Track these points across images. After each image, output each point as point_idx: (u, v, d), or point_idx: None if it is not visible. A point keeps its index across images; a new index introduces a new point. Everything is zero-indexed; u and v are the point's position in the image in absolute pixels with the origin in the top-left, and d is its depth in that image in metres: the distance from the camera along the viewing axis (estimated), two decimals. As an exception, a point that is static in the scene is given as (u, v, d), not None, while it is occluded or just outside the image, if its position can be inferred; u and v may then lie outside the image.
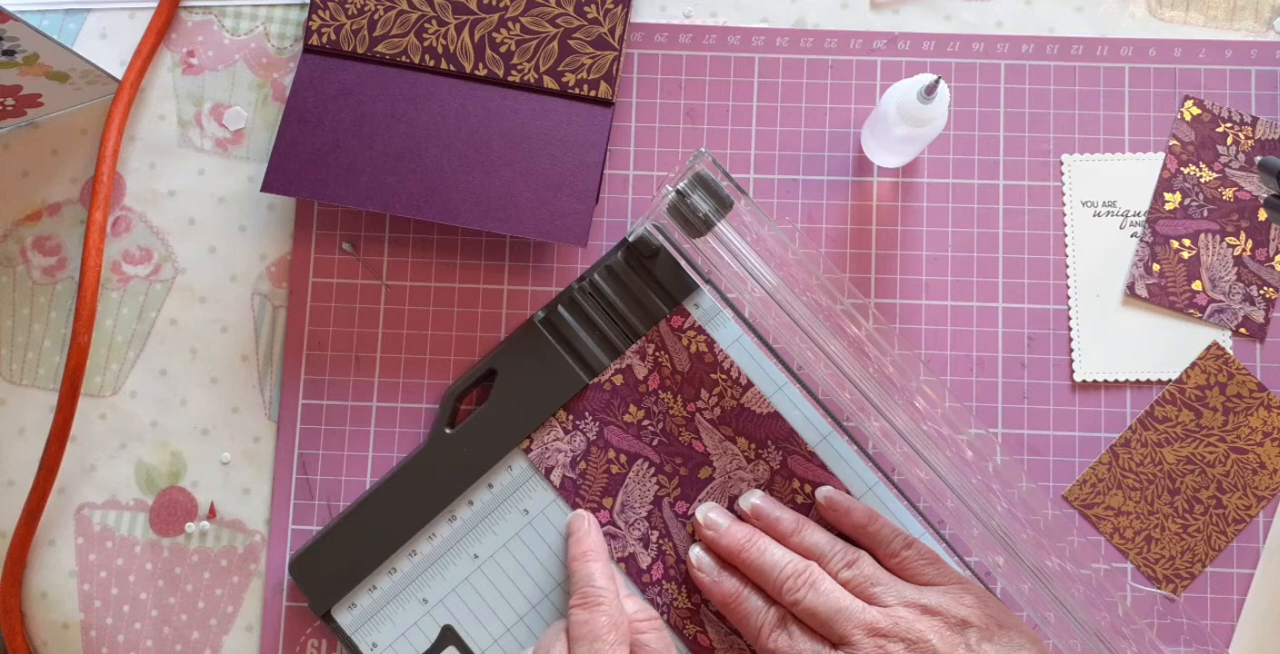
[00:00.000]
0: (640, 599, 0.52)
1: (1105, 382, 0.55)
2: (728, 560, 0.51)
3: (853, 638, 0.47)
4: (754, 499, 0.52)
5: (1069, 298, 0.55)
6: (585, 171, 0.54)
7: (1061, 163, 0.56)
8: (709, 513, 0.52)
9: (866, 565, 0.49)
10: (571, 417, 0.54)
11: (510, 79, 0.54)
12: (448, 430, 0.54)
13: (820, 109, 0.57)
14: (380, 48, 0.54)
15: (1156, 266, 0.55)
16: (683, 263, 0.53)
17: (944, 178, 0.56)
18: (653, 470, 0.53)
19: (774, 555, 0.49)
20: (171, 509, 0.55)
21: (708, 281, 0.54)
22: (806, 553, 0.50)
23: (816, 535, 0.50)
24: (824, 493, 0.52)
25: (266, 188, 0.53)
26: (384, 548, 0.53)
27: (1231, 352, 0.55)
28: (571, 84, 0.54)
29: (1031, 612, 0.50)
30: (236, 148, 0.57)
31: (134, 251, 0.57)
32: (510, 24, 0.54)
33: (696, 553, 0.51)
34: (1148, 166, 0.56)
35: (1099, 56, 0.56)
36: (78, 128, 0.57)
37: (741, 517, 0.52)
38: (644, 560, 0.53)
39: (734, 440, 0.53)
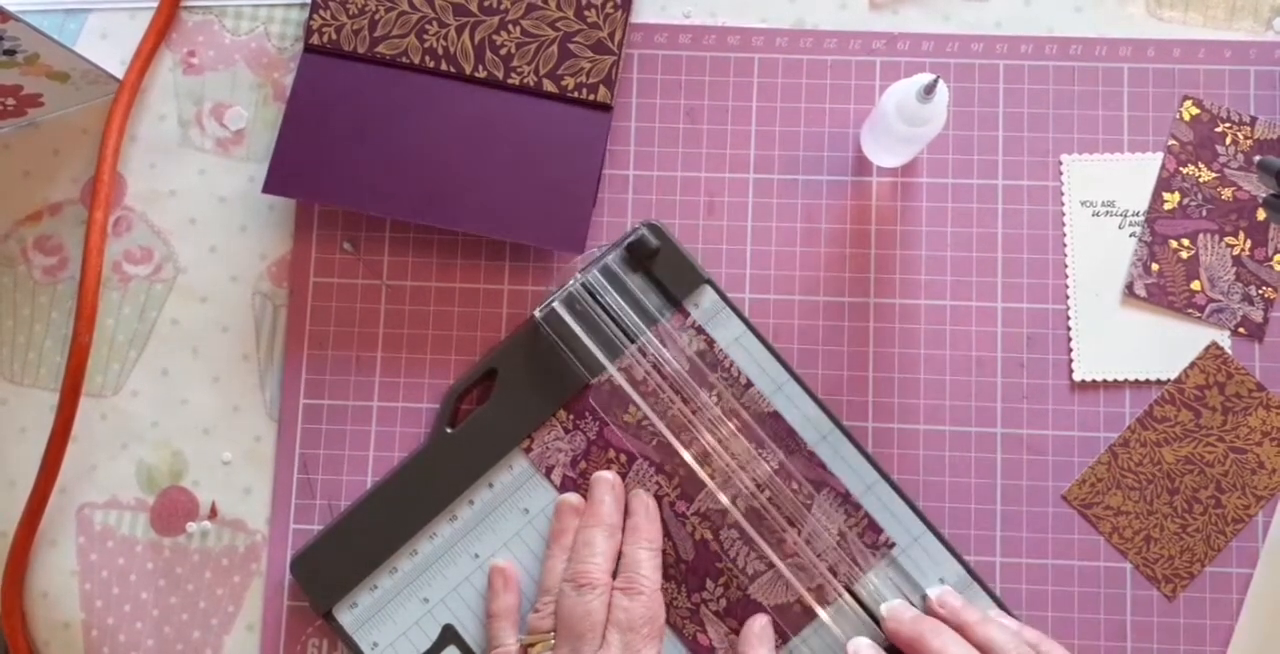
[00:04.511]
0: None
1: (1104, 381, 0.55)
2: (905, 650, 0.50)
3: None
4: (938, 591, 0.51)
5: (1068, 297, 0.55)
6: (583, 177, 0.54)
7: (1060, 163, 0.56)
8: (893, 608, 0.51)
9: None
10: (572, 416, 0.54)
11: (510, 81, 0.54)
12: (448, 430, 0.54)
13: (819, 109, 0.57)
14: (381, 48, 0.54)
15: (1155, 266, 0.55)
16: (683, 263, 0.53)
17: (943, 178, 0.56)
18: (653, 470, 0.54)
19: (953, 651, 0.48)
20: (172, 508, 0.55)
21: (708, 281, 0.54)
22: (984, 645, 0.49)
23: (998, 632, 0.49)
24: (935, 592, 0.51)
25: (267, 189, 0.54)
26: (385, 547, 0.53)
27: (1230, 351, 0.55)
28: (570, 87, 0.54)
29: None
30: (237, 148, 0.57)
31: (135, 251, 0.57)
32: (510, 27, 0.54)
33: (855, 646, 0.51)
34: (1146, 166, 0.56)
35: (1098, 56, 0.56)
36: (79, 127, 0.57)
37: (928, 609, 0.51)
38: (644, 560, 0.53)
39: (734, 440, 0.53)
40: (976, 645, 0.48)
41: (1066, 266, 0.55)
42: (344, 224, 0.56)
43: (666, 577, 0.53)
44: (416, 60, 0.54)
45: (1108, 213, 0.56)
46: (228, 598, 0.55)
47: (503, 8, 0.54)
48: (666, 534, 0.53)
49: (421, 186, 0.54)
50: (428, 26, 0.54)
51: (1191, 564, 0.54)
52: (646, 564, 0.51)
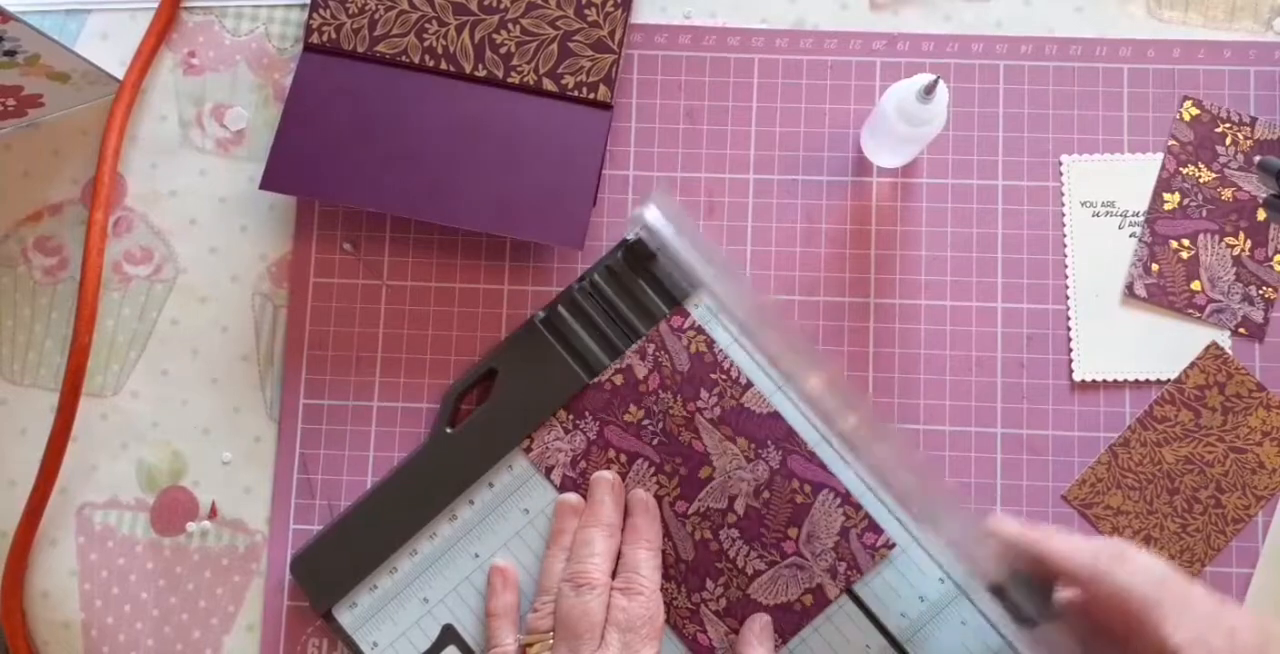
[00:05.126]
0: None
1: (1104, 381, 0.55)
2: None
3: None
4: (991, 520, 0.49)
5: (1068, 298, 0.55)
6: (583, 175, 0.54)
7: (1060, 163, 0.56)
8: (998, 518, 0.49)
9: None
10: (571, 416, 0.54)
11: (509, 80, 0.54)
12: (448, 430, 0.54)
13: (820, 109, 0.57)
14: (380, 47, 0.54)
15: (1155, 266, 0.55)
16: (681, 264, 0.53)
17: (943, 178, 0.56)
18: (653, 470, 0.54)
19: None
20: (172, 508, 0.55)
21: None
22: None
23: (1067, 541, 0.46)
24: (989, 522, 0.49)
25: (265, 185, 0.54)
26: (385, 547, 0.53)
27: (1230, 351, 0.55)
28: (570, 86, 0.54)
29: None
30: (237, 148, 0.57)
31: (135, 252, 0.57)
32: (510, 25, 0.54)
33: None
34: (1146, 167, 0.56)
35: (1098, 57, 0.56)
36: (79, 128, 0.57)
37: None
38: (644, 560, 0.53)
39: (734, 440, 0.53)
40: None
41: (1066, 267, 0.55)
42: (344, 224, 0.56)
43: (666, 577, 0.53)
44: (416, 59, 0.54)
45: (1108, 213, 0.56)
46: (228, 598, 0.55)
47: (502, 7, 0.54)
48: (666, 534, 0.53)
49: (421, 184, 0.54)
50: (427, 25, 0.55)
51: (1191, 564, 0.54)
52: (646, 564, 0.51)
